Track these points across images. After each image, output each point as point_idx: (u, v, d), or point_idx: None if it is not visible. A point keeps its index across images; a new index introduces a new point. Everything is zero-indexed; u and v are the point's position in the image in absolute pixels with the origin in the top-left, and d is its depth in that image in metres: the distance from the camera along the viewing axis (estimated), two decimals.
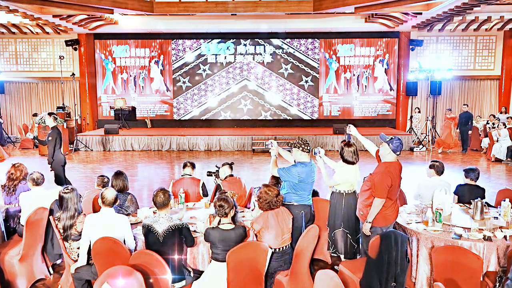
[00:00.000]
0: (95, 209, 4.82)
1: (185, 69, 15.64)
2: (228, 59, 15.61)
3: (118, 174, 4.96)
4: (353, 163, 4.62)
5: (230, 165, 5.79)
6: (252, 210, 4.85)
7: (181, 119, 15.92)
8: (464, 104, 13.75)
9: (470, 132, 13.12)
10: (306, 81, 15.63)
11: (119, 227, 3.88)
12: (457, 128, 13.37)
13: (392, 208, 4.11)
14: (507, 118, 13.01)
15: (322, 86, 15.70)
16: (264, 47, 15.54)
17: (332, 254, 4.88)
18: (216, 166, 5.94)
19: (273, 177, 5.10)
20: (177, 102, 15.79)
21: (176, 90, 15.76)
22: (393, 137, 4.11)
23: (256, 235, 4.00)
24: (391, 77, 15.60)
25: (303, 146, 4.45)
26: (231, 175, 5.69)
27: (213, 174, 5.91)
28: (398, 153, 4.10)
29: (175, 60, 15.63)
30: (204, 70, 15.62)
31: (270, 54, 15.55)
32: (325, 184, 4.89)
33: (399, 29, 14.50)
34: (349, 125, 4.60)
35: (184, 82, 15.70)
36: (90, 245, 3.86)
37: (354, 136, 4.69)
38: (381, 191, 3.94)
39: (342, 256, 4.79)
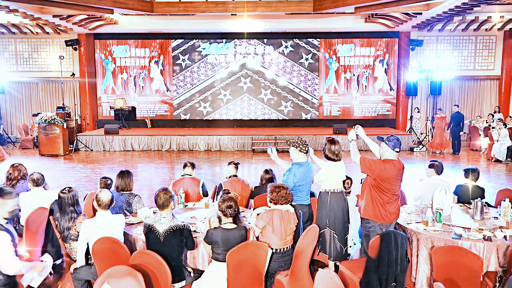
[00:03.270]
0: (95, 211, 4.82)
1: (184, 47, 15.61)
2: (228, 59, 15.61)
3: (124, 173, 4.92)
4: (334, 160, 4.55)
5: (236, 165, 5.77)
6: (253, 210, 4.85)
7: (180, 102, 15.93)
8: (455, 105, 13.60)
9: (461, 133, 12.91)
10: (306, 76, 15.66)
11: (116, 227, 3.89)
12: (447, 129, 13.19)
13: (392, 205, 4.11)
14: (499, 119, 12.97)
15: (322, 85, 15.70)
16: (264, 47, 15.54)
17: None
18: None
19: (266, 172, 5.30)
20: (176, 80, 15.75)
21: (176, 70, 15.72)
22: (390, 136, 4.14)
23: (257, 236, 3.99)
24: (391, 77, 15.60)
25: (301, 146, 4.46)
26: (235, 176, 5.69)
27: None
28: (397, 149, 4.10)
29: (173, 39, 15.63)
30: (204, 48, 15.60)
31: (270, 54, 15.55)
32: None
33: (399, 29, 14.50)
34: (357, 125, 4.52)
35: (183, 60, 15.68)
36: (88, 247, 3.86)
37: (361, 137, 4.62)
38: (364, 161, 4.08)
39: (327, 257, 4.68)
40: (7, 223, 3.13)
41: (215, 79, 15.73)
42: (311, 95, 15.72)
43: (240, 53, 15.59)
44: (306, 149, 4.50)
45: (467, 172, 5.19)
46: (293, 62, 15.59)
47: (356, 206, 4.69)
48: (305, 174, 4.44)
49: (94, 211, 4.81)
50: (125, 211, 4.76)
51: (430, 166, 5.19)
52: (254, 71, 15.65)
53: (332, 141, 4.54)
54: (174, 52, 15.63)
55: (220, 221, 3.83)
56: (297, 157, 4.49)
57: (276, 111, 15.81)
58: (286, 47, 15.50)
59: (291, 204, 4.33)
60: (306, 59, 15.57)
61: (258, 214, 4.09)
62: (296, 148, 4.47)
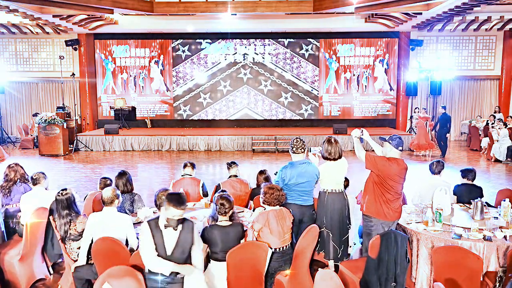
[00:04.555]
0: (95, 211, 4.83)
1: (184, 39, 15.60)
2: (228, 59, 15.61)
3: (121, 174, 4.95)
4: (329, 159, 4.56)
5: (236, 165, 5.78)
6: (253, 210, 4.85)
7: (180, 93, 15.93)
8: (442, 106, 12.84)
9: (448, 135, 12.28)
10: (306, 79, 15.66)
11: (121, 226, 3.88)
12: (432, 130, 12.65)
13: (395, 203, 4.12)
14: (499, 119, 12.91)
15: (322, 86, 15.70)
16: (264, 47, 15.54)
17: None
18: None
19: (261, 172, 5.32)
20: (176, 71, 15.72)
21: (176, 61, 15.70)
22: (392, 135, 4.21)
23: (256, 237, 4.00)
24: (391, 77, 15.60)
25: (293, 147, 4.54)
26: (235, 176, 5.69)
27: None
28: (400, 148, 4.15)
29: (173, 39, 15.64)
30: (204, 48, 15.59)
31: (270, 54, 15.55)
32: None
33: (399, 29, 14.50)
34: (362, 129, 4.53)
35: (183, 51, 15.66)
36: (91, 244, 3.86)
37: (365, 139, 4.63)
38: (369, 157, 4.12)
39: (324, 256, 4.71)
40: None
41: (215, 70, 15.69)
42: (311, 86, 15.69)
43: (240, 52, 15.59)
44: (300, 150, 4.51)
45: (464, 172, 5.21)
46: (293, 53, 15.55)
47: (358, 204, 4.70)
48: (300, 174, 4.43)
49: (95, 211, 4.83)
50: (127, 210, 4.78)
51: (430, 166, 5.19)
52: (254, 63, 15.62)
53: (328, 141, 4.58)
54: (174, 43, 15.59)
55: (217, 219, 3.84)
56: (294, 157, 4.55)
57: (276, 102, 15.77)
58: (286, 38, 15.47)
59: (287, 203, 4.34)
60: (306, 50, 15.54)
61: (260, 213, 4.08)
62: (290, 150, 4.58)
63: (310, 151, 4.73)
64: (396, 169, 4.05)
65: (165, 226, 3.23)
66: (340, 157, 4.59)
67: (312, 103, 15.75)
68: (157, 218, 3.30)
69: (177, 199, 3.17)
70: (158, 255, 3.22)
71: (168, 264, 3.21)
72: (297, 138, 4.60)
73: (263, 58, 15.59)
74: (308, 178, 4.47)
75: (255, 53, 15.56)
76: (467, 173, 5.17)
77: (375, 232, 4.10)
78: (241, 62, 15.62)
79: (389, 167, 4.05)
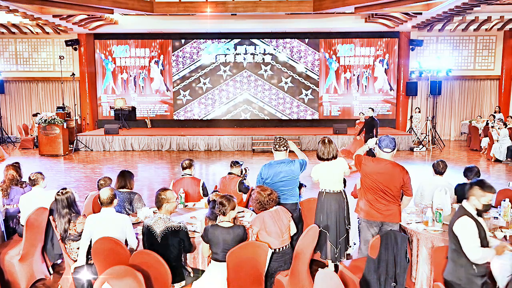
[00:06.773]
0: (95, 211, 4.83)
1: (184, 39, 15.60)
2: (228, 59, 15.61)
3: (123, 173, 4.96)
4: (322, 159, 4.57)
5: (239, 165, 5.77)
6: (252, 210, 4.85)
7: (178, 79, 15.93)
8: (369, 108, 11.33)
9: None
10: (307, 88, 15.66)
11: (120, 226, 3.88)
12: (358, 134, 11.30)
13: (379, 204, 4.06)
14: (499, 119, 12.89)
15: (322, 86, 15.70)
16: (264, 48, 15.54)
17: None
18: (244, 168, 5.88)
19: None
20: (176, 56, 15.68)
21: (175, 46, 15.70)
22: (381, 136, 4.22)
23: (256, 237, 3.99)
24: (391, 77, 15.60)
25: (275, 145, 4.61)
26: (231, 173, 5.68)
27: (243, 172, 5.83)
28: (387, 149, 4.06)
29: (173, 39, 15.64)
30: (204, 48, 15.60)
31: (270, 54, 15.55)
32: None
33: (399, 29, 14.50)
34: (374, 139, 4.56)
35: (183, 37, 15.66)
36: (90, 245, 3.86)
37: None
38: (355, 156, 4.27)
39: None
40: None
41: (214, 55, 15.66)
42: (311, 71, 15.65)
43: (240, 53, 15.59)
44: (281, 147, 4.55)
45: (465, 171, 5.19)
46: (293, 38, 15.53)
47: (351, 195, 4.74)
48: (275, 173, 4.48)
49: (95, 211, 4.83)
50: (126, 209, 4.77)
51: (435, 166, 5.15)
52: (254, 49, 15.59)
53: (322, 142, 4.61)
54: (174, 38, 15.61)
55: (219, 219, 3.84)
56: (276, 155, 4.61)
57: (276, 87, 15.73)
58: (285, 38, 15.48)
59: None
60: (306, 37, 15.54)
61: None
62: (273, 147, 4.63)
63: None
64: (372, 168, 4.04)
65: (478, 213, 3.25)
66: (334, 157, 4.55)
67: (312, 87, 15.69)
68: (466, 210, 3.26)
69: (488, 185, 3.20)
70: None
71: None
72: (279, 137, 4.66)
73: (263, 43, 15.52)
74: (284, 177, 4.50)
75: (255, 52, 15.55)
76: (468, 172, 5.14)
77: (363, 231, 4.16)
78: (241, 62, 15.63)
79: (365, 165, 4.10)
